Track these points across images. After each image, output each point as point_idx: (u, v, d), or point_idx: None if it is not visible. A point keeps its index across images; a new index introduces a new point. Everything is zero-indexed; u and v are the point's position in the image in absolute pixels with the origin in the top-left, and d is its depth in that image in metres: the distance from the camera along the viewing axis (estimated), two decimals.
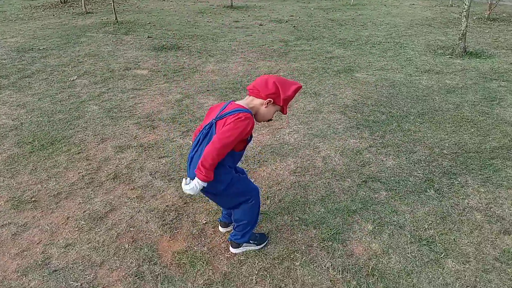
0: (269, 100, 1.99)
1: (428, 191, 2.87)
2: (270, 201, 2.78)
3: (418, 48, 7.15)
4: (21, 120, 4.17)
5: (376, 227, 2.51)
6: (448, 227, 2.50)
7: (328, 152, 3.45)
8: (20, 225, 2.59)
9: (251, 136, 2.07)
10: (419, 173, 3.10)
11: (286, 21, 10.05)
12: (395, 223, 2.55)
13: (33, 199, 2.86)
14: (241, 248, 2.32)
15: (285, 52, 6.94)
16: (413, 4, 12.95)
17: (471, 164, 3.21)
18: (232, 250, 2.33)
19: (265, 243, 2.38)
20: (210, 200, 2.80)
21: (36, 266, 2.25)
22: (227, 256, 2.31)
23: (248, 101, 2.05)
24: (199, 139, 2.02)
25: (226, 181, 2.04)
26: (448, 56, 6.54)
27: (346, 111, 4.32)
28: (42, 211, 2.73)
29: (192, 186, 1.92)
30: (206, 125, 2.01)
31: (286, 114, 2.26)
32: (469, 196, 2.80)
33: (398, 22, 9.72)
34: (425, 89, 4.99)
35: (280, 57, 6.57)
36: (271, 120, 2.12)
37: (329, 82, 5.32)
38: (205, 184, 1.92)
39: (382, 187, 2.93)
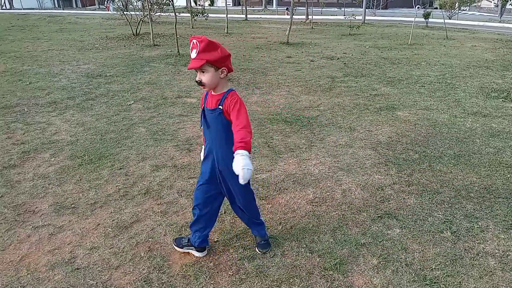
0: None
1: (444, 232, 2.81)
2: (282, 227, 2.89)
3: (470, 90, 6.95)
4: (78, 136, 4.69)
5: (381, 262, 2.52)
6: (456, 270, 2.44)
7: (350, 185, 3.50)
8: (57, 226, 2.93)
9: (202, 109, 2.37)
10: (439, 214, 3.04)
11: (338, 58, 10.23)
12: (402, 260, 2.53)
13: (72, 205, 3.22)
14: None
15: (330, 87, 7.08)
16: (475, 45, 12.58)
17: (497, 209, 3.08)
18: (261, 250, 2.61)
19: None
20: (224, 221, 2.97)
21: (62, 263, 2.54)
22: (229, 274, 2.44)
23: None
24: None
25: None
26: (501, 100, 6.29)
27: (378, 148, 4.34)
28: (78, 216, 3.06)
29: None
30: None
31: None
32: (487, 241, 2.70)
33: (454, 63, 9.50)
34: (468, 131, 4.86)
35: (324, 92, 6.72)
36: (197, 81, 2.20)
37: (368, 118, 5.36)
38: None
39: (397, 224, 2.92)
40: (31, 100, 6.21)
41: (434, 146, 4.39)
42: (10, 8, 49.46)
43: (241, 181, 1.92)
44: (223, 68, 2.18)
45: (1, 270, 2.48)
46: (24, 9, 47.60)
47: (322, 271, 2.45)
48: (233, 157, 1.98)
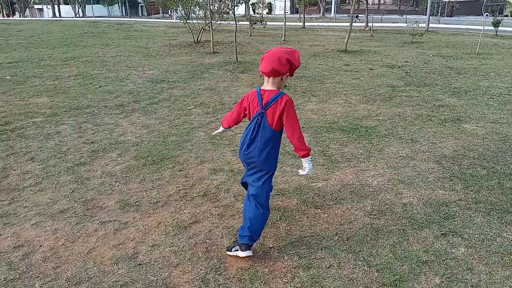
0: (288, 74, 2.43)
1: None
2: (338, 237, 2.84)
3: None
4: (142, 138, 4.94)
5: (445, 282, 2.39)
6: None
7: (411, 199, 3.37)
8: (122, 222, 3.11)
9: None
10: (509, 235, 2.83)
11: (399, 67, 9.91)
12: (467, 281, 2.39)
13: (136, 203, 3.39)
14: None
15: (390, 97, 6.88)
16: None
17: None
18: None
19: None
20: (280, 227, 2.98)
21: (126, 258, 2.69)
22: (284, 281, 2.44)
23: (272, 83, 2.45)
24: (253, 128, 2.49)
25: (275, 160, 2.60)
26: None
27: (442, 161, 4.14)
28: (141, 214, 3.22)
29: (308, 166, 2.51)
30: (256, 115, 2.46)
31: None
32: None
33: None
34: None
35: (383, 102, 6.54)
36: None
37: (431, 130, 5.13)
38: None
39: (462, 243, 2.76)
40: (101, 103, 6.65)
41: (504, 162, 4.10)
42: (83, 16, 53.39)
43: None
44: None
45: (70, 261, 2.67)
46: (95, 16, 51.16)
47: (380, 286, 2.38)
48: None
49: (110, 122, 5.59)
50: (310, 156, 2.53)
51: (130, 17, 49.94)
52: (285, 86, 2.50)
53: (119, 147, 4.64)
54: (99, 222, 3.13)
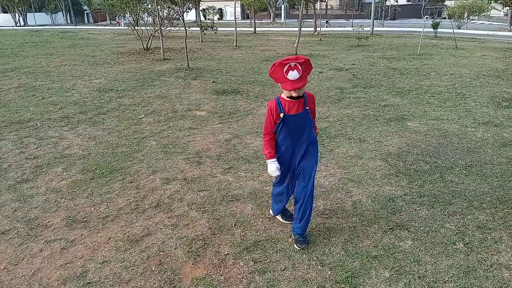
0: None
1: (457, 244, 2.77)
2: (292, 239, 2.87)
3: (480, 99, 6.90)
4: (90, 150, 4.75)
5: (394, 275, 2.49)
6: (470, 282, 2.40)
7: (360, 197, 3.48)
8: (69, 240, 2.96)
9: (283, 116, 2.59)
10: (451, 225, 3.00)
11: (347, 69, 10.25)
12: (415, 272, 2.50)
13: (84, 219, 3.25)
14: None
15: (339, 99, 7.09)
16: (485, 55, 12.51)
17: (511, 220, 3.03)
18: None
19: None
20: (235, 233, 2.97)
21: (74, 277, 2.56)
22: (240, 287, 2.43)
23: None
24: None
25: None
26: None
27: (388, 159, 4.32)
28: (90, 230, 3.09)
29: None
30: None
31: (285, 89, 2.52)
32: (501, 252, 2.65)
33: (464, 73, 9.45)
34: (479, 141, 4.81)
35: (333, 104, 6.73)
36: (294, 96, 2.52)
37: (377, 129, 5.34)
38: None
39: (408, 236, 2.89)
40: (44, 115, 6.33)
41: (445, 157, 4.35)
42: (24, 25, 50.66)
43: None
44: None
45: (14, 285, 2.50)
46: (38, 25, 48.72)
47: (333, 284, 2.43)
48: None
49: (55, 135, 5.33)
50: (269, 160, 2.73)
51: (75, 25, 48.03)
52: (293, 96, 2.59)
53: (64, 161, 4.43)
54: (44, 241, 2.96)
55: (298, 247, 2.77)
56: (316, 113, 2.79)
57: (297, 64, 2.38)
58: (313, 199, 2.78)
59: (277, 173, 2.73)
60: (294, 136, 2.66)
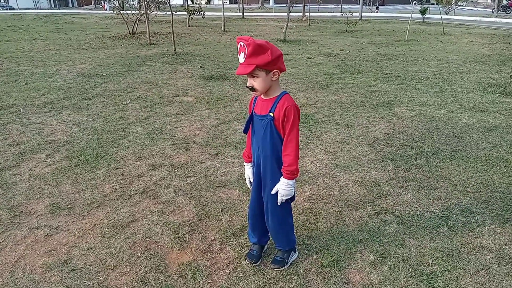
0: None
1: (441, 227, 2.81)
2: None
3: (466, 85, 6.95)
4: (74, 137, 4.67)
5: (378, 258, 2.51)
6: (453, 264, 2.44)
7: (347, 182, 3.50)
8: (53, 227, 2.92)
9: (251, 114, 2.19)
10: (435, 209, 3.04)
11: (335, 55, 10.22)
12: (399, 256, 2.53)
13: (69, 206, 3.20)
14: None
15: (327, 84, 7.08)
16: (472, 41, 12.58)
17: (494, 203, 3.09)
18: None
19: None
20: (222, 219, 2.97)
21: (59, 264, 2.53)
22: (227, 272, 2.43)
23: None
24: None
25: None
26: (498, 95, 6.30)
27: (375, 144, 4.34)
28: (74, 217, 3.05)
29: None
30: None
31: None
32: (484, 235, 2.70)
33: (451, 59, 9.50)
34: (464, 126, 4.86)
35: (321, 90, 6.72)
36: (248, 86, 2.03)
37: (365, 115, 5.36)
38: None
39: (394, 220, 2.92)
40: (27, 101, 6.19)
41: (431, 142, 4.38)
42: (6, 9, 49.22)
43: (278, 201, 2.19)
44: (275, 70, 1.97)
45: None
46: (20, 9, 47.43)
47: (319, 268, 2.45)
48: (278, 176, 2.15)
49: (38, 122, 5.22)
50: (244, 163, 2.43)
51: (59, 9, 46.86)
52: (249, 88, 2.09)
53: (48, 148, 4.35)
54: (28, 228, 2.92)
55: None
56: (294, 137, 2.03)
57: (245, 46, 1.89)
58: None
59: (248, 183, 2.42)
60: (256, 143, 2.22)
